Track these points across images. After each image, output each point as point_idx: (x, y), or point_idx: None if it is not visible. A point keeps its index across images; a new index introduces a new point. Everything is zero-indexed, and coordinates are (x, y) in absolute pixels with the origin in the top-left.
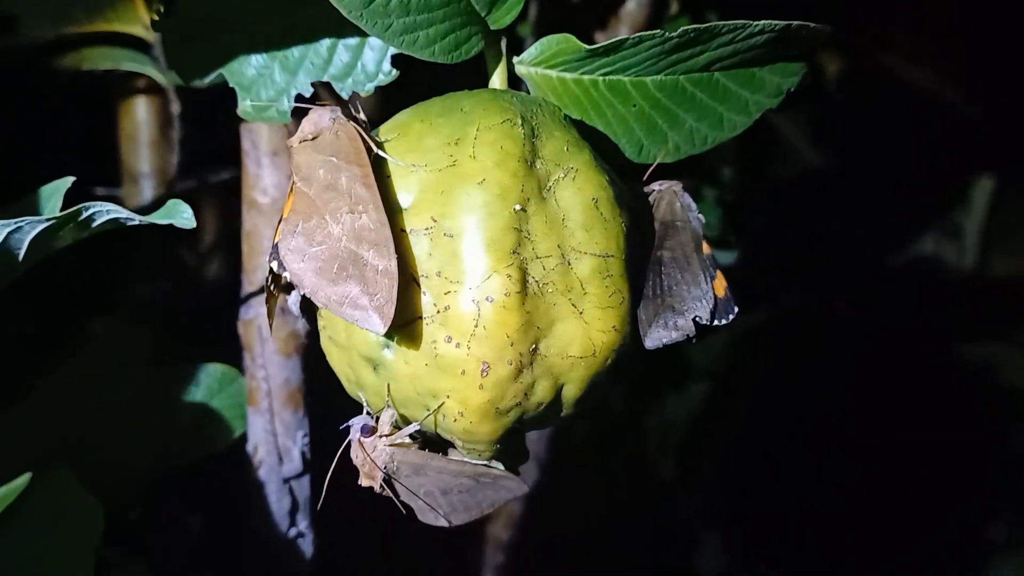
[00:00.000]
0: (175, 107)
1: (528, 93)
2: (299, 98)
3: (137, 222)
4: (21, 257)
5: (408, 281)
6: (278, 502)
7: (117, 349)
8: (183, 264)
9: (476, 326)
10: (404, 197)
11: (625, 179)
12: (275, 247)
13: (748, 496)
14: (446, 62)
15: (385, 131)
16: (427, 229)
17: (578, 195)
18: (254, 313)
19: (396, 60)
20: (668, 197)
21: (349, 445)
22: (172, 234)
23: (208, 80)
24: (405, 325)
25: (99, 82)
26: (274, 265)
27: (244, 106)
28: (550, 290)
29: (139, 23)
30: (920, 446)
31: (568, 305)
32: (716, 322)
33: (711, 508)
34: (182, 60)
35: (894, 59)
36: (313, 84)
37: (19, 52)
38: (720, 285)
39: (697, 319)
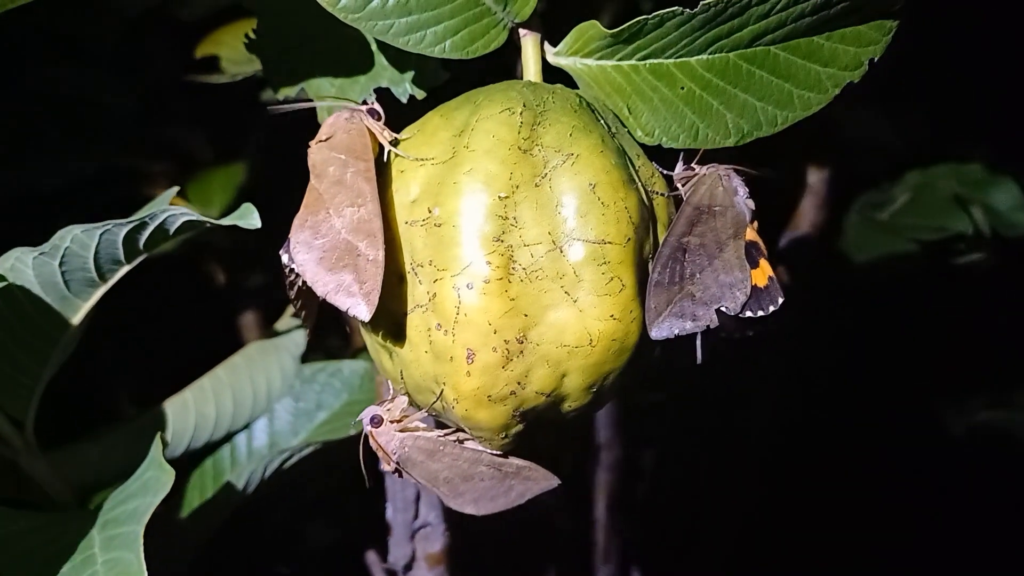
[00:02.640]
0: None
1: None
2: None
3: (208, 225)
4: (122, 256)
5: (408, 271)
6: (402, 491)
7: (279, 341)
8: None
9: (458, 313)
10: (413, 190)
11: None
12: (288, 241)
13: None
14: (462, 58)
15: (410, 128)
16: (424, 220)
17: (574, 180)
18: None
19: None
20: (710, 181)
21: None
22: None
23: (295, 91)
24: (407, 314)
25: None
26: (285, 258)
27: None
28: (539, 277)
29: None
30: None
31: (560, 292)
32: (750, 313)
33: None
34: (273, 75)
35: None
36: (375, 90)
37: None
38: (762, 274)
39: (724, 309)
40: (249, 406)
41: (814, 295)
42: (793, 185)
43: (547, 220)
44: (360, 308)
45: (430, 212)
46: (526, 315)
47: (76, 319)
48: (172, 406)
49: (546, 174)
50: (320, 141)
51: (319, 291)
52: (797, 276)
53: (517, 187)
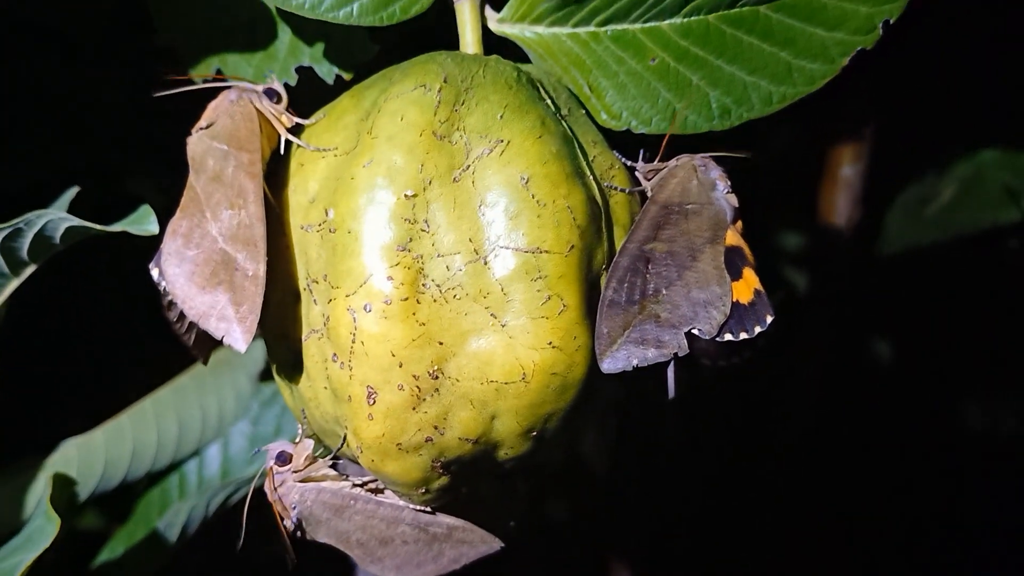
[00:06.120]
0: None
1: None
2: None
3: (97, 231)
4: (5, 268)
5: (304, 288)
6: None
7: (234, 358)
8: None
9: (354, 341)
10: (311, 188)
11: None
12: (158, 252)
13: None
14: (376, 25)
15: (319, 112)
16: (320, 225)
17: (502, 173)
18: None
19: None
20: (682, 174)
21: None
22: None
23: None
24: (303, 340)
25: None
26: (154, 272)
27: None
28: (456, 296)
29: None
30: None
31: (484, 315)
32: (730, 336)
33: None
34: (184, 53)
35: None
36: (297, 70)
37: None
38: (746, 287)
39: (698, 331)
40: (197, 432)
41: (845, 299)
42: (816, 172)
43: (467, 224)
44: (235, 335)
45: (326, 215)
46: (441, 343)
47: None
48: (106, 432)
49: (468, 166)
50: (201, 128)
51: (189, 314)
52: (825, 280)
53: (429, 182)
